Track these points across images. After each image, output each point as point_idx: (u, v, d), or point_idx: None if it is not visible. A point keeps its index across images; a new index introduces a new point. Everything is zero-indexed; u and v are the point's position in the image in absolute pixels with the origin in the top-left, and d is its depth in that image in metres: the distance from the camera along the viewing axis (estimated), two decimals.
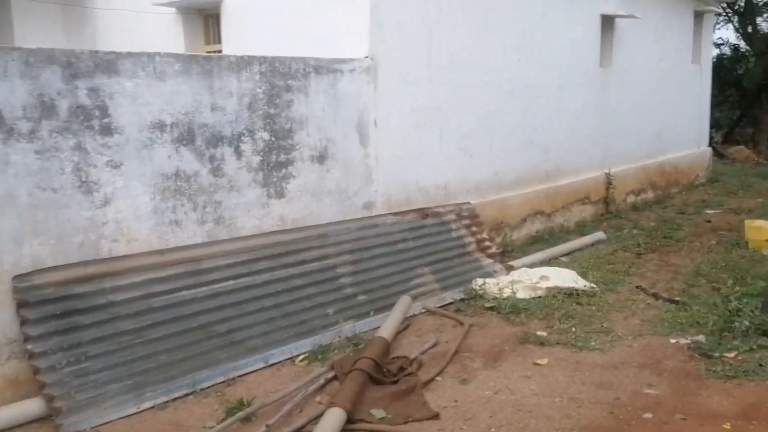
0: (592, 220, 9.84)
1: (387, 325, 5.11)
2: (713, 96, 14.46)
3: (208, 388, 4.41)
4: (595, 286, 6.46)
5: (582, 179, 9.65)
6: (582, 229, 9.26)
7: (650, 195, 11.62)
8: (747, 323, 5.20)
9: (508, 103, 8.12)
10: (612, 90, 10.30)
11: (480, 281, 6.43)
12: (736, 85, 20.27)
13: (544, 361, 4.78)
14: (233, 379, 4.55)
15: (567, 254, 7.92)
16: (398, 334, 5.32)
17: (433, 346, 5.14)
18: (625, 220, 9.91)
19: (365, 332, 5.38)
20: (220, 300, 4.95)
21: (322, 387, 4.40)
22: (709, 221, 9.84)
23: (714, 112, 15.33)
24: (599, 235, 8.67)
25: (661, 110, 11.92)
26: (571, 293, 6.25)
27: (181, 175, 4.93)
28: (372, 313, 5.60)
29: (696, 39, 13.17)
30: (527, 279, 6.40)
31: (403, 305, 5.59)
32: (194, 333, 4.70)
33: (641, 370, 4.59)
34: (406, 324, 5.55)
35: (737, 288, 6.14)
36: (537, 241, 8.46)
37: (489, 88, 7.78)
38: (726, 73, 19.76)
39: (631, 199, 11.01)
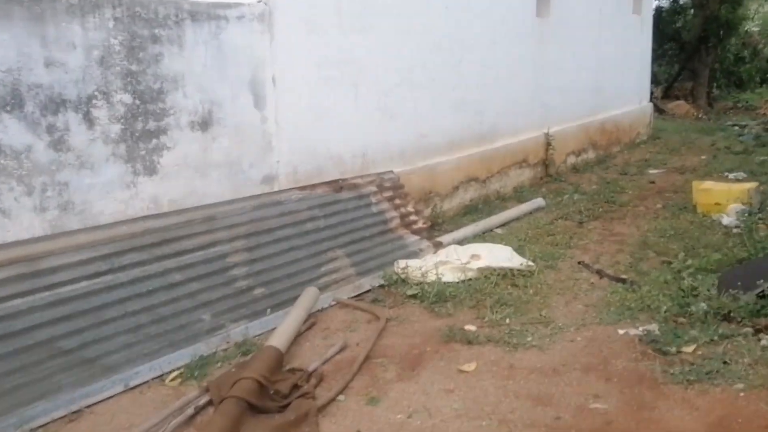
0: (531, 184, 9.07)
1: (282, 330, 4.18)
2: (652, 50, 13.83)
3: (41, 427, 3.41)
4: (532, 263, 5.66)
5: (519, 140, 8.82)
6: (520, 195, 8.48)
7: (591, 155, 10.92)
8: (704, 306, 4.50)
9: (435, 56, 7.16)
10: (550, 42, 9.43)
11: (402, 263, 5.55)
12: (674, 38, 19.74)
13: (472, 367, 3.95)
14: (79, 411, 3.55)
15: (503, 225, 7.13)
16: (300, 335, 4.42)
17: (341, 350, 4.25)
18: (566, 184, 9.18)
19: (260, 335, 4.45)
20: (68, 307, 3.92)
21: (192, 418, 3.46)
22: (653, 182, 9.20)
23: (653, 67, 14.70)
24: (538, 201, 7.91)
25: (602, 64, 11.14)
26: (505, 273, 5.45)
27: (6, 150, 3.83)
28: (269, 310, 4.66)
29: None
30: (456, 259, 5.55)
31: (307, 299, 4.67)
32: (29, 353, 3.68)
33: (586, 375, 3.81)
34: (311, 322, 4.64)
35: (689, 261, 5.44)
36: (471, 211, 7.63)
37: (412, 38, 6.80)
38: (665, 26, 19.14)
39: (571, 160, 10.28)
